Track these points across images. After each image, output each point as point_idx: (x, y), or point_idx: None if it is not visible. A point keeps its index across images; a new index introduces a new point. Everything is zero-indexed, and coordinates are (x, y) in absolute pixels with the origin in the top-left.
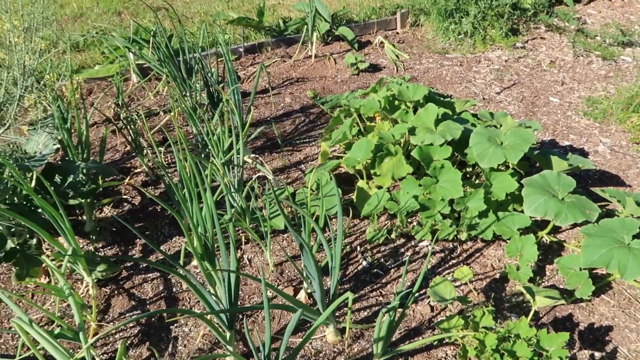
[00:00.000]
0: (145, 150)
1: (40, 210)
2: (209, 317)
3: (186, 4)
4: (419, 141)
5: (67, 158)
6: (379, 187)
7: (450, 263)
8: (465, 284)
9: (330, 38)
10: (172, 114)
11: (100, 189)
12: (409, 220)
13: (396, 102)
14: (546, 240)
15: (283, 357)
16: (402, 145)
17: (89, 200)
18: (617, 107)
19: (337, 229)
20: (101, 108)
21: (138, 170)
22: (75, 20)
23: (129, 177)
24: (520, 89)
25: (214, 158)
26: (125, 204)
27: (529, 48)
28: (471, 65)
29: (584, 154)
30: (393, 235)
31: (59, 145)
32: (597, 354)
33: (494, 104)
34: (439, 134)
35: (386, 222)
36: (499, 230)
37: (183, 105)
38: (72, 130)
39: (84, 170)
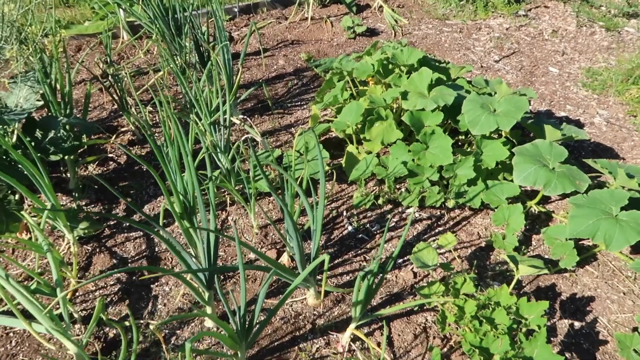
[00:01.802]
0: (132, 109)
1: (20, 165)
2: (187, 276)
3: None
4: (411, 106)
5: (49, 114)
6: (369, 153)
7: (437, 230)
8: (450, 251)
9: (328, 0)
10: (161, 73)
11: (85, 146)
12: (397, 187)
13: (390, 66)
14: (535, 210)
15: (261, 319)
16: (394, 110)
17: (72, 157)
18: (616, 78)
19: (320, 192)
20: (89, 65)
21: (125, 129)
22: None
23: (115, 136)
24: (520, 57)
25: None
26: (111, 162)
27: (531, 16)
28: (471, 33)
29: (579, 125)
30: (380, 201)
31: (41, 101)
32: (577, 324)
33: (492, 72)
34: (431, 99)
35: (374, 187)
36: (487, 198)
37: (172, 65)
38: (57, 87)
39: (66, 126)
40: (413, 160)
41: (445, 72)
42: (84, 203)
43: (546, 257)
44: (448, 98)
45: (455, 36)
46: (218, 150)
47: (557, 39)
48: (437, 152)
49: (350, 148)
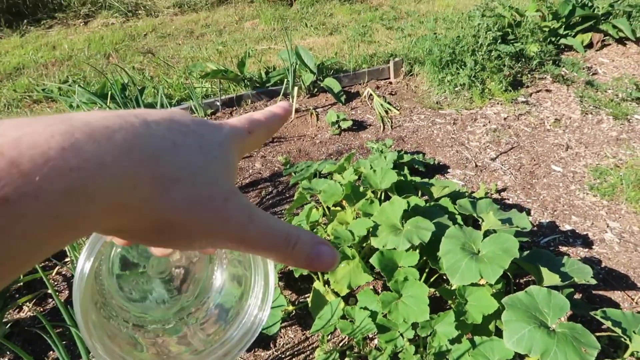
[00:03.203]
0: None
1: None
2: None
3: (178, 46)
4: (380, 244)
5: None
6: (336, 294)
7: None
8: None
9: (316, 89)
10: None
11: (20, 284)
12: (371, 337)
13: (362, 189)
14: None
15: None
16: (364, 245)
17: None
18: (627, 182)
19: None
20: None
21: (67, 259)
22: (63, 63)
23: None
24: (519, 153)
25: None
26: (50, 299)
27: (532, 103)
28: (466, 124)
29: (587, 243)
30: None
31: None
32: None
33: (487, 173)
34: (404, 235)
35: (344, 337)
36: None
37: None
38: None
39: None
40: (383, 313)
41: (427, 189)
42: (6, 359)
43: None
44: (424, 234)
45: (449, 129)
46: None
47: (561, 129)
48: (411, 303)
49: (317, 285)
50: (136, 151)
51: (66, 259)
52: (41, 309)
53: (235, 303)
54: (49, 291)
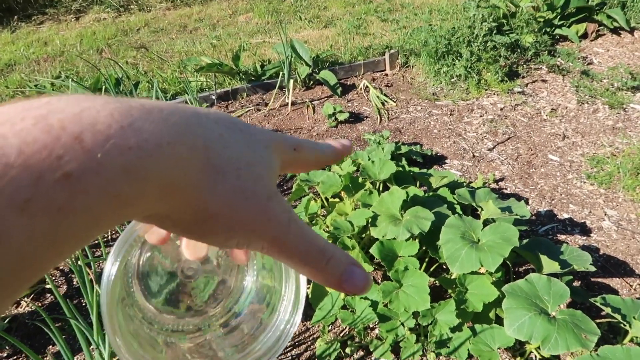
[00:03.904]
0: None
1: None
2: None
3: (172, 41)
4: (380, 234)
5: None
6: None
7: None
8: None
9: (311, 82)
10: None
11: None
12: (371, 326)
13: (360, 180)
14: (535, 356)
15: None
16: (363, 236)
17: None
18: (624, 170)
19: None
20: None
21: None
22: (55, 59)
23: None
24: (516, 143)
25: None
26: (49, 294)
27: (528, 93)
28: (462, 115)
29: (585, 231)
30: (348, 350)
31: None
32: None
33: (484, 163)
34: (404, 225)
35: (344, 328)
36: (476, 349)
37: None
38: None
39: None
40: (383, 303)
41: (425, 180)
42: (5, 354)
43: None
44: (424, 224)
45: (446, 120)
46: None
47: (557, 119)
48: (411, 292)
49: None
50: (189, 137)
51: None
52: (39, 304)
53: (263, 316)
54: (47, 286)
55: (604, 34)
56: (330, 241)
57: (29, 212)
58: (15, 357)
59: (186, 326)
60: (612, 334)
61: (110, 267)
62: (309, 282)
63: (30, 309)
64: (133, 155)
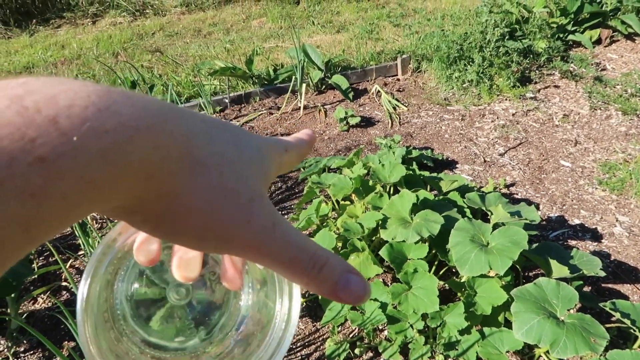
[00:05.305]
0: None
1: None
2: None
3: (186, 45)
4: (390, 237)
5: None
6: None
7: None
8: None
9: (324, 87)
10: None
11: (35, 276)
12: (380, 328)
13: (371, 182)
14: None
15: None
16: (373, 238)
17: (12, 295)
18: (637, 176)
19: None
20: None
21: (80, 252)
22: (72, 62)
23: (73, 259)
24: (528, 149)
25: None
26: (64, 292)
27: (540, 99)
28: (474, 120)
29: (596, 237)
30: (357, 351)
31: None
32: None
33: (495, 168)
34: (413, 228)
35: (353, 329)
36: (484, 352)
37: None
38: None
39: None
40: (392, 304)
41: (435, 183)
42: (22, 349)
43: None
44: (433, 227)
45: (457, 125)
46: None
47: (569, 125)
48: (420, 294)
49: None
50: (170, 126)
51: (80, 252)
52: (57, 300)
53: (257, 335)
54: (63, 284)
55: (618, 40)
56: (340, 243)
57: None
58: (32, 352)
59: (178, 352)
60: (622, 339)
61: (82, 286)
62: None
63: (46, 305)
64: (110, 139)
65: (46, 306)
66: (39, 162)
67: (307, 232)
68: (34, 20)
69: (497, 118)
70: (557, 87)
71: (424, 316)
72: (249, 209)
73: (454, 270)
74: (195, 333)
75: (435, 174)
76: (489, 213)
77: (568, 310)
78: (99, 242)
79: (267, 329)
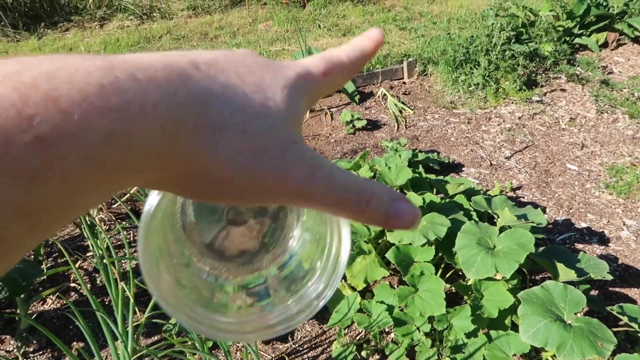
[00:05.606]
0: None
1: None
2: None
3: (192, 48)
4: (396, 239)
5: None
6: (353, 288)
7: None
8: None
9: None
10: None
11: (44, 277)
12: (387, 330)
13: None
14: None
15: None
16: (379, 241)
17: (22, 295)
18: None
19: None
20: None
21: (89, 253)
22: None
23: (81, 259)
24: (534, 152)
25: None
26: (73, 292)
27: (546, 102)
28: (480, 124)
29: (603, 240)
30: (364, 353)
31: None
32: None
33: (502, 172)
34: (420, 231)
35: (360, 331)
36: (491, 355)
37: None
38: None
39: None
40: (399, 307)
41: (442, 186)
42: (32, 349)
43: None
44: (440, 230)
45: (463, 128)
46: None
47: (576, 128)
48: (427, 297)
49: None
50: (181, 94)
51: (88, 253)
52: (64, 302)
53: (306, 270)
54: (72, 285)
55: (625, 43)
56: None
57: None
58: (41, 352)
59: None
60: (630, 343)
61: (152, 200)
62: None
63: (55, 306)
64: (114, 117)
65: (55, 307)
66: (37, 142)
67: None
68: (43, 24)
69: (504, 121)
70: (563, 90)
71: (431, 319)
72: (284, 162)
73: (460, 273)
74: (256, 253)
75: (441, 177)
76: (496, 216)
77: (575, 313)
78: (107, 243)
79: (324, 252)
